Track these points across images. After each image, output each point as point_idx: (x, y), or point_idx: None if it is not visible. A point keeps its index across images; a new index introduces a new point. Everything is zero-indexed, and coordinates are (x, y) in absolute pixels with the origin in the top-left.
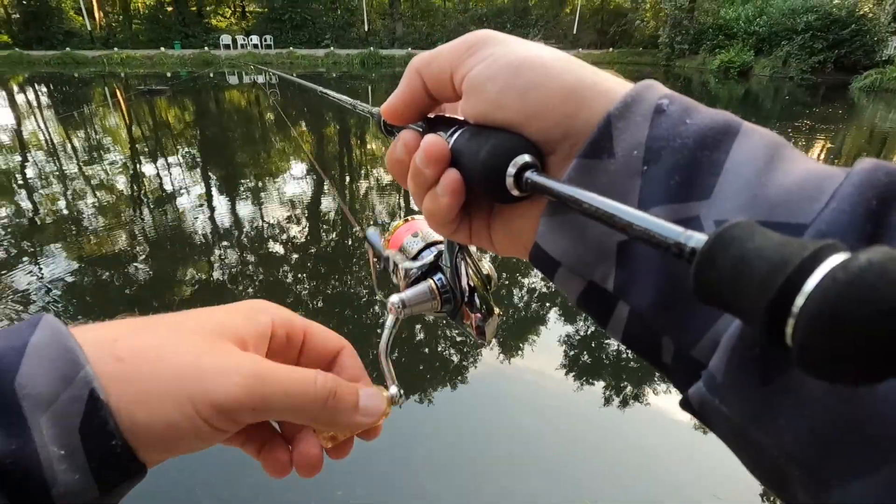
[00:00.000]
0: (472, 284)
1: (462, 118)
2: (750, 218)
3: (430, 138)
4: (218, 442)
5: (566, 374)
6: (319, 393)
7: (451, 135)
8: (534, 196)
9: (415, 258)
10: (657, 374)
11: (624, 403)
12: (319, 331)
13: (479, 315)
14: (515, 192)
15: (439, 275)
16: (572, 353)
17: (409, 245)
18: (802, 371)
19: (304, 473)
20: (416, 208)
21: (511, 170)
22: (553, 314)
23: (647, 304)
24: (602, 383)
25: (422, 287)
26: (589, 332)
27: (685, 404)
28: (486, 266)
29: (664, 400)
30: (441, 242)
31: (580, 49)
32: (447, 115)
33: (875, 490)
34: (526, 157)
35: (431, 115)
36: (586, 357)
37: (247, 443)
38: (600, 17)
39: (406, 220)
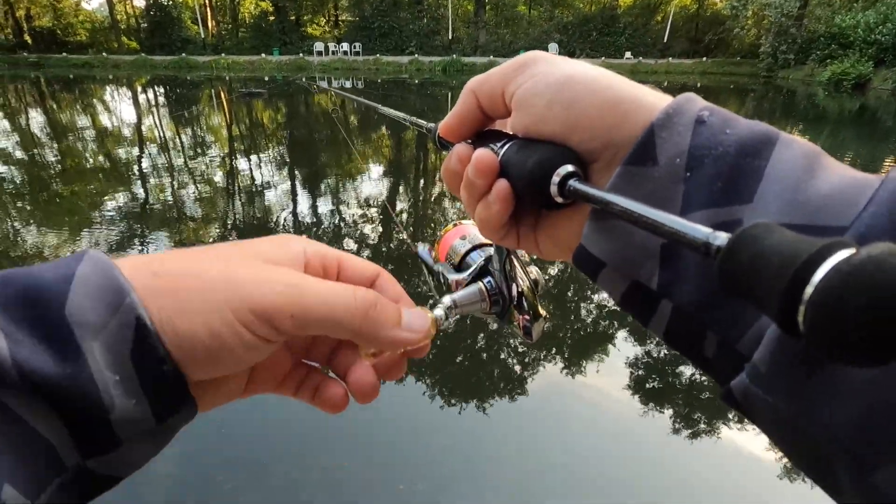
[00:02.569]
0: (520, 288)
1: (511, 132)
2: (791, 221)
3: (480, 152)
4: (265, 353)
5: (631, 396)
6: (360, 304)
7: (501, 147)
8: (577, 203)
9: (462, 258)
10: (730, 410)
11: (692, 436)
12: (354, 259)
13: (526, 317)
14: (559, 200)
15: (489, 278)
16: (639, 376)
17: (457, 247)
18: (813, 352)
19: (361, 399)
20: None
21: (555, 179)
22: (621, 334)
23: (691, 300)
24: (669, 412)
25: (472, 289)
26: (658, 356)
27: (727, 397)
28: (534, 271)
29: (735, 436)
30: (487, 245)
31: (670, 59)
32: (497, 130)
33: None
34: (569, 167)
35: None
36: (654, 383)
37: (300, 389)
38: (695, 25)
39: (455, 225)
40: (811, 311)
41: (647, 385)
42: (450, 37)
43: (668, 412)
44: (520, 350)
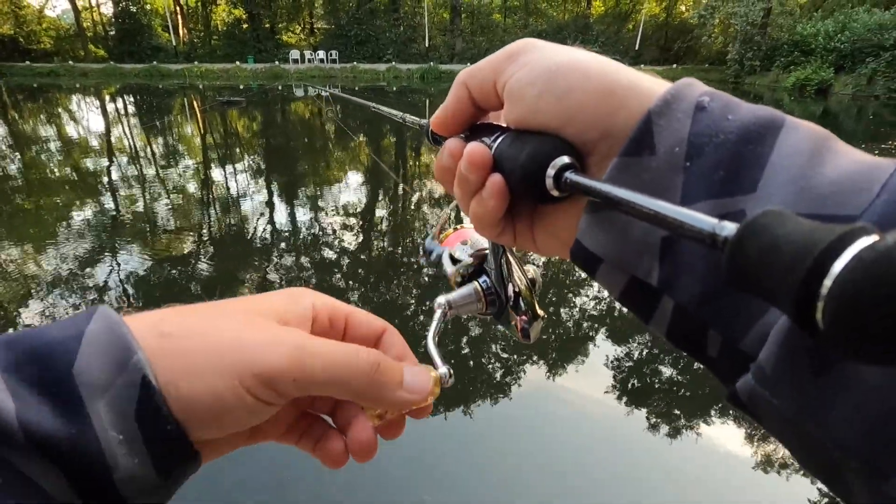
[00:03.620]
0: (516, 287)
1: (505, 125)
2: (797, 211)
3: (472, 146)
4: (267, 415)
5: (611, 397)
6: (362, 365)
7: (494, 141)
8: (574, 196)
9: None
10: (709, 408)
11: (671, 433)
12: (362, 314)
13: (524, 317)
14: (555, 193)
15: (485, 277)
16: (618, 376)
17: (459, 252)
18: (832, 352)
19: (359, 458)
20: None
21: (550, 171)
22: (600, 335)
23: (692, 298)
24: (646, 409)
25: (467, 289)
26: (636, 357)
27: (733, 398)
28: (531, 270)
29: (708, 431)
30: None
31: (642, 66)
32: (491, 123)
33: None
34: (565, 159)
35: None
36: (633, 382)
37: (302, 439)
38: (664, 33)
39: (456, 229)
40: (831, 306)
41: (627, 385)
42: (426, 44)
43: (645, 410)
44: (501, 356)
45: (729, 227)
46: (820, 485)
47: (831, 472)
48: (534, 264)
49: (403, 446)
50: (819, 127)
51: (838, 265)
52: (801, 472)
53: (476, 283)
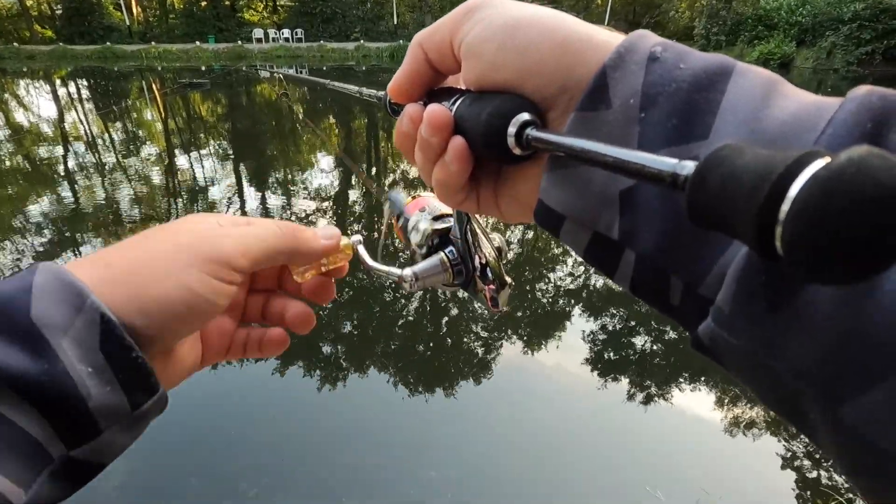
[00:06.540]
0: (483, 257)
1: (464, 87)
2: None
3: (432, 107)
4: (228, 299)
5: (587, 370)
6: (286, 230)
7: (454, 104)
8: (537, 156)
9: (423, 232)
10: (674, 378)
11: (645, 401)
12: (260, 220)
13: (491, 286)
14: (517, 151)
15: (451, 247)
16: (594, 349)
17: (417, 220)
18: (796, 275)
19: (301, 329)
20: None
21: (511, 129)
22: (576, 311)
23: (652, 247)
24: (624, 381)
25: (433, 260)
26: (611, 330)
27: (696, 343)
28: (497, 238)
29: (682, 398)
30: (448, 215)
31: None
32: (450, 87)
33: (886, 396)
34: (525, 116)
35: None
36: (609, 354)
37: (247, 348)
38: (633, 8)
39: (413, 197)
40: (789, 229)
41: (603, 358)
42: (395, 22)
43: (624, 382)
44: (482, 335)
45: (689, 166)
46: (784, 441)
47: (790, 404)
48: (499, 232)
49: (393, 427)
50: (768, 71)
51: (794, 188)
52: (767, 432)
53: (442, 253)
